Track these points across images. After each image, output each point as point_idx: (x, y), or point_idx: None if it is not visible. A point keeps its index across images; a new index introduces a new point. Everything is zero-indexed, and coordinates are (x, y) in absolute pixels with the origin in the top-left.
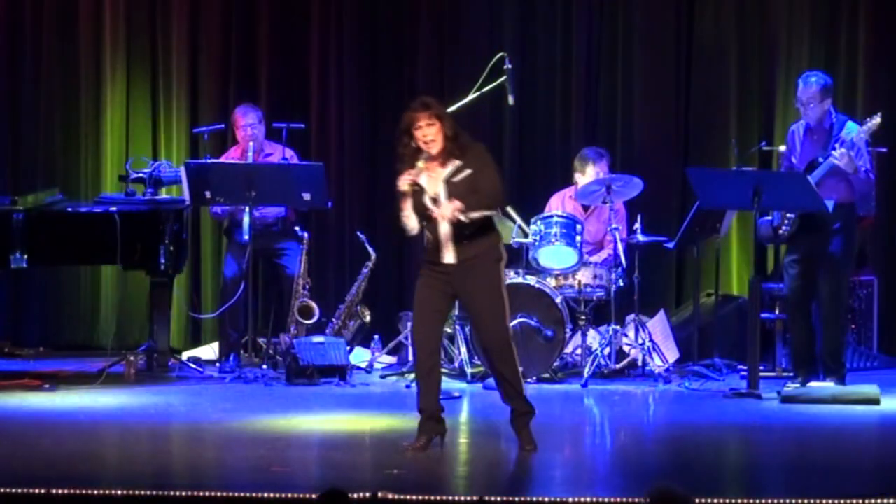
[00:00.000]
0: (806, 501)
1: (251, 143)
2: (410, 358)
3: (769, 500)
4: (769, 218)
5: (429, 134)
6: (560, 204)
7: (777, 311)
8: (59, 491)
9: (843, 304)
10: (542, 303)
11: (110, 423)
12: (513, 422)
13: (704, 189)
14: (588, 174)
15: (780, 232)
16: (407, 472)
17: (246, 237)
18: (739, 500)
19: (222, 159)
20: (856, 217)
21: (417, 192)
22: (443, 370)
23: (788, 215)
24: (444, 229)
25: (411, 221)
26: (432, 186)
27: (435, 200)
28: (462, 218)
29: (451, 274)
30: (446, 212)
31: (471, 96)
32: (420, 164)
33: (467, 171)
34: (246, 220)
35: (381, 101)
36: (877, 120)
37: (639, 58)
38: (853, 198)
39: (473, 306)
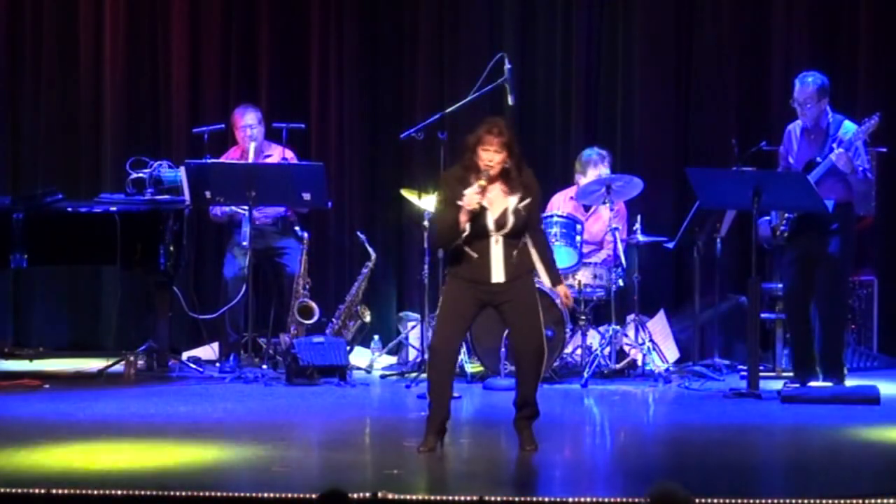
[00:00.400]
0: (806, 501)
1: (252, 144)
2: (410, 358)
3: (769, 500)
4: (768, 218)
5: (494, 159)
6: (561, 204)
7: (777, 311)
8: (59, 491)
9: (842, 304)
10: (542, 303)
11: (110, 423)
12: (516, 422)
13: (704, 189)
14: (589, 176)
15: (779, 232)
16: (407, 472)
17: (245, 243)
18: (739, 500)
19: (222, 160)
20: (854, 217)
21: (479, 213)
22: None
23: (787, 215)
24: (497, 251)
25: (462, 236)
26: (497, 207)
27: (499, 222)
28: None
29: (493, 293)
30: (569, 301)
31: (471, 96)
32: (483, 182)
33: (528, 200)
34: (246, 228)
35: (380, 101)
36: (875, 121)
37: (639, 58)
38: (851, 198)
39: (515, 317)
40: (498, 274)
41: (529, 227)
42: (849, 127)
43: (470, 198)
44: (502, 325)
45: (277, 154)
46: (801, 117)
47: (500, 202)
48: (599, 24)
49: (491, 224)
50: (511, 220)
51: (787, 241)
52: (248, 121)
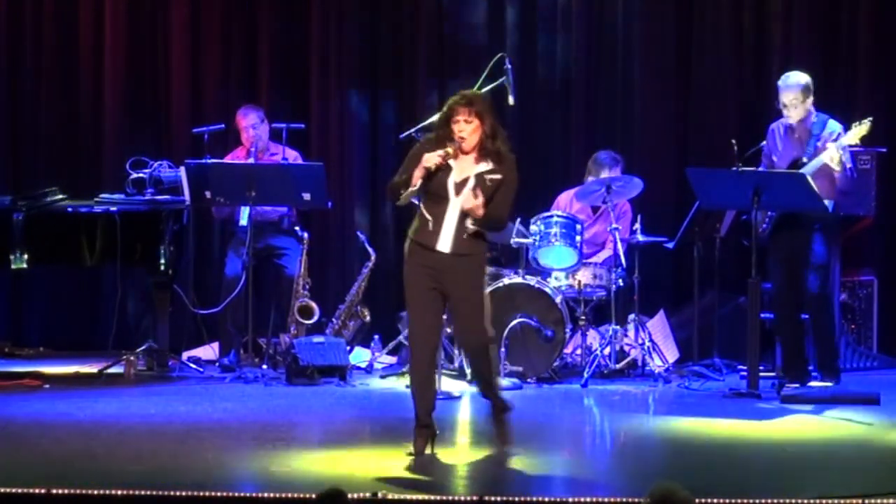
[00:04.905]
0: (806, 501)
1: (255, 143)
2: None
3: (769, 500)
4: (745, 216)
5: (465, 130)
6: (568, 203)
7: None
8: (59, 491)
9: (830, 303)
10: (542, 303)
11: (110, 423)
12: (492, 417)
13: (704, 189)
14: (598, 179)
15: (761, 230)
16: (407, 472)
17: (244, 222)
18: (739, 500)
19: (227, 159)
20: (837, 216)
21: (443, 172)
22: (443, 371)
23: (769, 213)
24: (451, 217)
25: (413, 196)
26: (461, 172)
27: (459, 186)
28: (475, 215)
29: (438, 264)
30: (468, 202)
31: None
32: (449, 149)
33: (498, 176)
34: (245, 209)
35: (380, 100)
36: (866, 125)
37: (639, 58)
38: (834, 196)
39: (459, 304)
40: (444, 243)
41: (491, 208)
42: (834, 126)
43: (430, 157)
44: (502, 325)
45: (282, 155)
46: (786, 117)
47: (467, 168)
48: (600, 24)
49: (451, 186)
50: (471, 184)
51: (771, 241)
52: (250, 121)
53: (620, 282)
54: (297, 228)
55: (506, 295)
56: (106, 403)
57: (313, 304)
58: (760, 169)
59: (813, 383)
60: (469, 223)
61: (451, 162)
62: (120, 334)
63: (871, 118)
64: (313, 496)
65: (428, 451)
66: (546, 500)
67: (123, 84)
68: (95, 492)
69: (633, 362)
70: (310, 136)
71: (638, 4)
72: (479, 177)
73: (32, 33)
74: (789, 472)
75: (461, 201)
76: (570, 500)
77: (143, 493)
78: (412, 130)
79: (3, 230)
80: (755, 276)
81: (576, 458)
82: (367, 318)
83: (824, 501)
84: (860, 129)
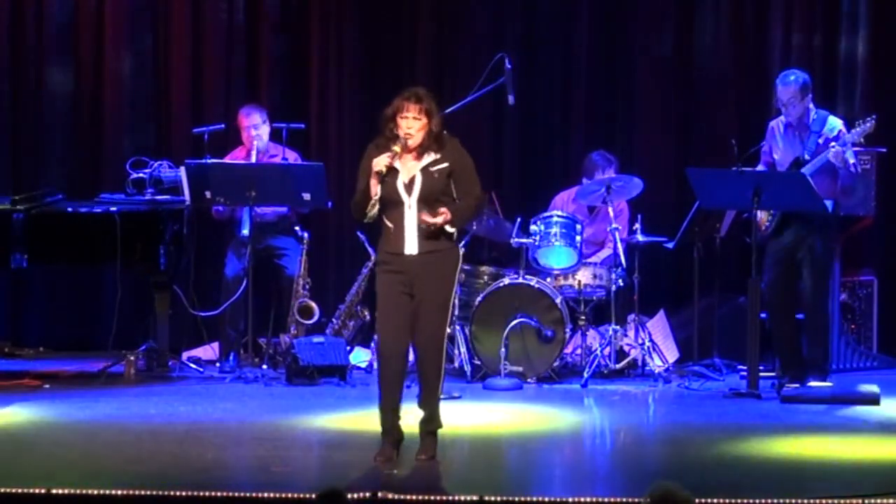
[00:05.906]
0: (805, 501)
1: (256, 144)
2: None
3: (769, 501)
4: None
5: (413, 127)
6: (564, 203)
7: None
8: (59, 491)
9: (826, 303)
10: (542, 303)
11: (110, 423)
12: (420, 425)
13: (704, 189)
14: (596, 179)
15: (763, 228)
16: (407, 472)
17: (245, 232)
18: (739, 500)
19: (227, 159)
20: (837, 216)
21: (391, 177)
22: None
23: (773, 212)
24: (410, 218)
25: (377, 207)
26: (408, 172)
27: (408, 186)
28: (448, 229)
29: (410, 268)
30: (436, 220)
31: (471, 96)
32: (396, 148)
33: (444, 164)
34: (246, 217)
35: (380, 101)
36: (871, 124)
37: (639, 57)
38: (836, 195)
39: (422, 303)
40: (411, 245)
41: (459, 194)
42: (834, 122)
43: (379, 161)
44: (502, 325)
45: (281, 156)
46: (785, 116)
47: (412, 167)
48: (600, 24)
49: (401, 188)
50: (419, 180)
51: (771, 240)
52: (253, 121)
53: (620, 282)
54: (297, 228)
55: (506, 295)
56: (106, 403)
57: (313, 304)
58: (760, 168)
59: (812, 383)
60: (448, 228)
61: (395, 164)
62: (120, 334)
63: (874, 115)
64: (313, 496)
65: (395, 457)
66: (546, 500)
67: (124, 84)
68: (95, 492)
69: (633, 362)
70: (310, 136)
71: (638, 4)
72: (426, 171)
73: (33, 33)
74: (789, 472)
75: (415, 200)
76: (570, 500)
77: (143, 493)
78: None
79: (3, 230)
80: (755, 276)
81: (576, 458)
82: (367, 318)
83: (824, 501)
84: (865, 128)
